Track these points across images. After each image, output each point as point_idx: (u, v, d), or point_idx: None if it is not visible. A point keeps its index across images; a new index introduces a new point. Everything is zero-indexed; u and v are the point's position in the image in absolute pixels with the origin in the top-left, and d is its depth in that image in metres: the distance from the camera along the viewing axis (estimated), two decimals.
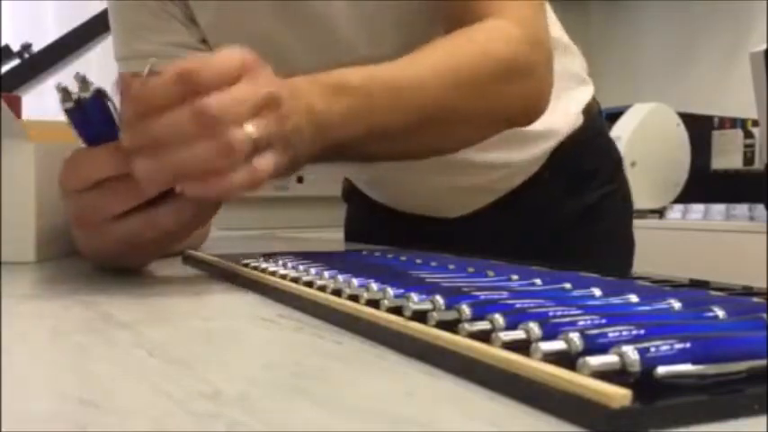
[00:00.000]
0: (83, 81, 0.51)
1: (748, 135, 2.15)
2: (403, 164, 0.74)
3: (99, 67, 2.15)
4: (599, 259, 0.90)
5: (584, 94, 0.93)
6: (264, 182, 0.49)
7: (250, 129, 0.48)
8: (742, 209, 1.91)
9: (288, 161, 0.52)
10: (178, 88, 0.47)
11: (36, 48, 2.18)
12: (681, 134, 2.13)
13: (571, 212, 0.91)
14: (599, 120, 0.97)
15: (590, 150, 0.92)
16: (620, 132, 1.99)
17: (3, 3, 2.10)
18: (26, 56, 2.18)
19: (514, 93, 0.66)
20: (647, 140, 2.06)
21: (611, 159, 0.97)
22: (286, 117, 0.51)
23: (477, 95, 0.63)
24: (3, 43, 2.14)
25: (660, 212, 2.08)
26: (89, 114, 0.52)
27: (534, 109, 0.69)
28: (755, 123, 2.09)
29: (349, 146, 0.58)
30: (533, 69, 0.66)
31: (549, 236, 0.90)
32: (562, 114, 0.87)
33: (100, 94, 0.52)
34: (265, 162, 0.49)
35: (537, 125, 0.72)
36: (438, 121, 0.62)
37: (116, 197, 0.51)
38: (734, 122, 2.22)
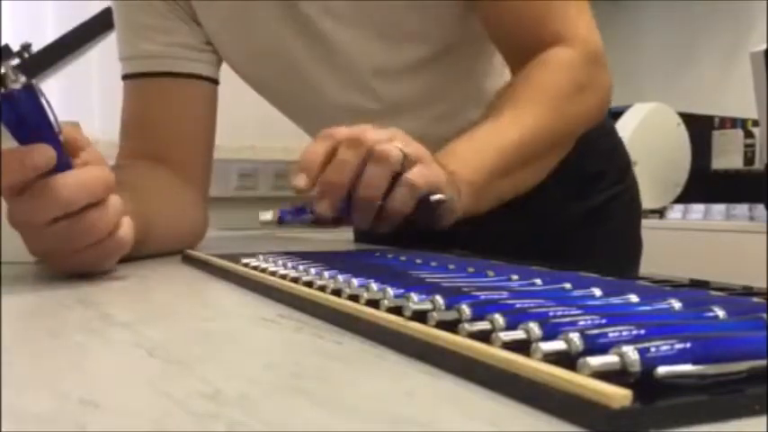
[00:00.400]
0: (12, 70, 0.49)
1: (748, 135, 2.15)
2: None
3: (99, 67, 2.15)
4: (605, 260, 0.90)
5: None
6: (411, 198, 0.58)
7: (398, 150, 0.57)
8: (742, 209, 1.91)
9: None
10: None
11: (36, 48, 2.18)
12: (681, 134, 2.13)
13: (578, 214, 0.91)
14: (606, 121, 0.98)
15: (597, 152, 0.92)
16: (621, 132, 1.98)
17: (3, 3, 2.11)
18: (26, 56, 2.18)
19: (588, 108, 0.78)
20: (648, 140, 2.06)
21: (618, 160, 0.97)
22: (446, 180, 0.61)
23: (565, 124, 0.75)
24: (2, 43, 2.14)
25: (660, 212, 2.08)
26: (20, 108, 0.50)
27: (602, 113, 0.81)
28: (756, 123, 2.09)
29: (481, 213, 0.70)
30: (599, 82, 0.78)
31: (556, 237, 0.90)
32: None
33: (32, 89, 0.49)
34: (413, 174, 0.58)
35: None
36: (540, 161, 0.76)
37: (44, 203, 0.50)
38: (734, 122, 2.22)
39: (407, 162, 0.57)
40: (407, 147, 0.58)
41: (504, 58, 0.81)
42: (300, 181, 0.59)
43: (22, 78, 0.49)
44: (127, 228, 0.56)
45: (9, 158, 0.49)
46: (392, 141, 0.58)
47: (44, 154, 0.49)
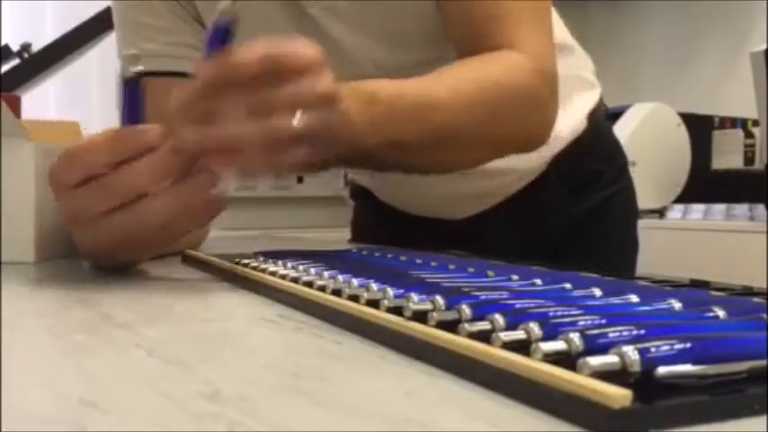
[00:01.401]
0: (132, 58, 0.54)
1: (749, 135, 2.15)
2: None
3: (99, 67, 2.15)
4: (602, 260, 0.90)
5: (592, 97, 0.94)
6: (288, 171, 0.53)
7: (296, 122, 0.50)
8: (742, 209, 1.91)
9: (319, 159, 0.55)
10: (259, 69, 0.50)
11: (36, 48, 2.18)
12: (681, 134, 2.13)
13: (575, 214, 0.91)
14: (604, 123, 0.98)
15: (595, 153, 0.92)
16: (621, 132, 1.98)
17: (3, 3, 2.10)
18: (26, 56, 2.18)
19: (525, 122, 0.71)
20: (648, 140, 2.06)
21: (615, 161, 0.97)
22: (330, 117, 0.53)
23: (491, 122, 0.68)
24: (3, 43, 2.14)
25: (660, 212, 2.08)
26: (128, 95, 0.55)
27: (540, 138, 0.73)
28: (756, 123, 2.09)
29: (370, 153, 0.61)
30: (543, 101, 0.71)
31: (553, 237, 0.90)
32: (569, 119, 0.87)
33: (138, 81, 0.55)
34: (295, 155, 0.51)
35: None
36: (453, 141, 0.67)
37: (106, 192, 0.51)
38: (734, 122, 2.22)
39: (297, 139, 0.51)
40: (311, 117, 0.51)
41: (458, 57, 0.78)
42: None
43: (140, 67, 0.54)
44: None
45: (125, 134, 0.51)
46: (301, 111, 0.51)
47: (155, 135, 0.51)
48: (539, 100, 0.71)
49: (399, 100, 0.62)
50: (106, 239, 0.53)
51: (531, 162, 0.87)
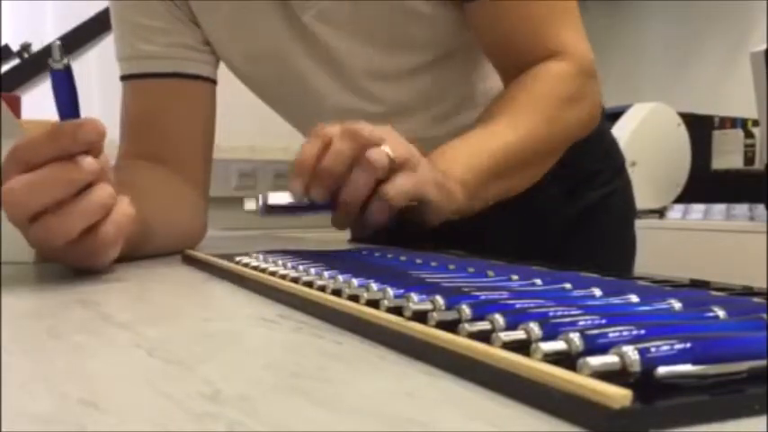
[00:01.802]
0: (59, 49, 0.55)
1: (749, 135, 2.15)
2: None
3: (99, 67, 2.15)
4: (600, 259, 0.90)
5: None
6: (395, 202, 0.60)
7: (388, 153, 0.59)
8: (742, 209, 1.91)
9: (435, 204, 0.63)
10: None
11: (36, 48, 2.18)
12: (681, 134, 2.13)
13: (572, 212, 0.91)
14: (603, 122, 0.98)
15: (591, 152, 0.92)
16: (620, 132, 1.99)
17: (3, 3, 2.10)
18: (26, 56, 2.18)
19: (580, 118, 0.80)
20: (648, 140, 2.06)
21: (613, 161, 0.97)
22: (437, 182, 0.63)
23: (560, 134, 0.78)
24: (2, 43, 2.14)
25: (660, 212, 2.08)
26: (59, 86, 0.55)
27: (593, 124, 0.83)
28: (756, 123, 2.09)
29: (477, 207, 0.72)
30: (590, 94, 0.80)
31: (550, 236, 0.90)
32: None
33: (70, 70, 0.55)
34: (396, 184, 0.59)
35: None
36: (539, 164, 0.79)
37: (40, 189, 0.50)
38: (734, 122, 2.22)
39: (394, 166, 0.59)
40: (397, 149, 0.59)
41: (497, 70, 0.82)
42: (296, 185, 0.60)
43: (65, 60, 0.54)
44: (120, 216, 0.55)
45: (61, 130, 0.51)
46: (383, 141, 0.59)
47: (95, 129, 0.51)
48: (588, 96, 0.79)
49: (475, 173, 0.69)
50: (49, 238, 0.53)
51: None
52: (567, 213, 0.91)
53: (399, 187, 0.59)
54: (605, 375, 0.23)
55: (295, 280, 0.44)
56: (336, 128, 0.59)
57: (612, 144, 1.00)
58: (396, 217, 0.62)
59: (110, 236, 0.54)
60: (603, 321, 0.28)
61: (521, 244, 0.89)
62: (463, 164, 0.68)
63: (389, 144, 0.59)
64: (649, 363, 0.23)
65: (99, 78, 2.17)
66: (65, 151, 0.50)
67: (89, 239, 0.53)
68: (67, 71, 0.55)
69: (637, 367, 0.23)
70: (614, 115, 2.07)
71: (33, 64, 2.17)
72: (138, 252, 0.66)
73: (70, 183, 0.51)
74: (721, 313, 0.30)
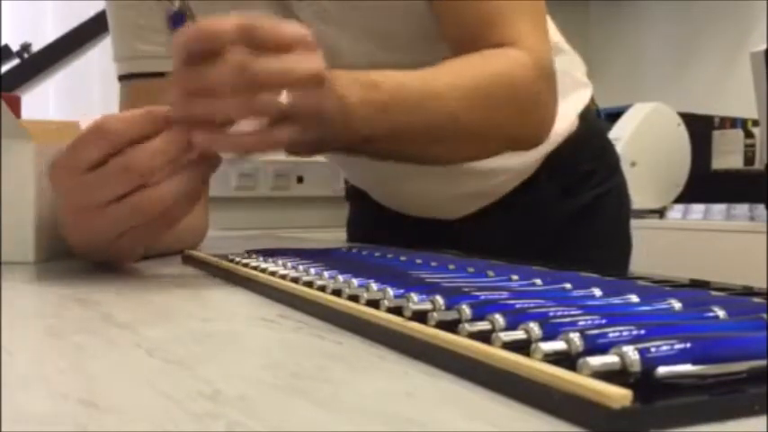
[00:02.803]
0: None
1: (749, 135, 2.15)
2: (406, 172, 0.79)
3: (99, 67, 2.15)
4: (594, 258, 0.90)
5: (583, 97, 0.94)
6: (274, 150, 0.53)
7: (282, 98, 0.51)
8: (742, 209, 1.91)
9: (313, 140, 0.56)
10: (235, 38, 0.49)
11: (36, 48, 2.18)
12: (681, 134, 2.13)
13: (565, 212, 0.91)
14: (596, 122, 0.98)
15: (586, 152, 0.92)
16: (621, 132, 1.99)
17: (3, 3, 2.10)
18: (26, 56, 2.18)
19: (524, 120, 0.71)
20: (648, 140, 2.06)
21: (607, 160, 0.97)
22: (322, 99, 0.54)
23: (489, 118, 0.68)
24: (2, 43, 2.14)
25: (660, 212, 2.08)
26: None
27: (538, 137, 0.74)
28: (756, 123, 2.09)
29: (367, 140, 0.62)
30: (543, 100, 0.72)
31: (544, 235, 0.90)
32: (560, 119, 0.87)
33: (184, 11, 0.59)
34: (282, 133, 0.52)
35: None
36: (450, 134, 0.67)
37: (109, 180, 0.51)
38: (734, 122, 2.22)
39: (284, 116, 0.52)
40: (297, 94, 0.52)
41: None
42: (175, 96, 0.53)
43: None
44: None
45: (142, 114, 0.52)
46: (287, 88, 0.52)
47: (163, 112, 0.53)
48: (538, 96, 0.71)
49: (400, 91, 0.62)
50: (106, 230, 0.53)
51: (524, 162, 0.87)
52: (562, 212, 0.91)
53: (282, 137, 0.52)
54: (605, 375, 0.23)
55: (295, 280, 0.44)
56: (231, 24, 0.50)
57: (607, 143, 1.00)
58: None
59: (168, 225, 0.55)
60: (603, 321, 0.28)
61: (515, 243, 0.89)
62: (386, 75, 0.62)
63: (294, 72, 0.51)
64: (649, 363, 0.23)
65: (99, 78, 2.17)
66: (156, 130, 0.51)
67: (136, 234, 0.54)
68: (182, 13, 0.56)
69: (637, 367, 0.23)
70: (614, 115, 2.07)
71: (33, 64, 2.17)
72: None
73: (140, 171, 0.51)
74: (721, 313, 0.30)
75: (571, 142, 0.89)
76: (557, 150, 0.88)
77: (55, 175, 0.54)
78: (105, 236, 0.54)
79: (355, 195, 1.04)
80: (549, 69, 0.72)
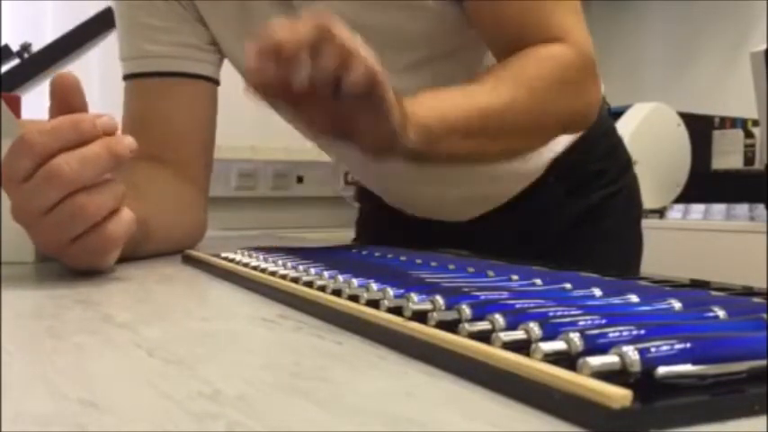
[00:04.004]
0: None
1: (749, 135, 2.15)
2: (418, 177, 0.83)
3: (99, 67, 2.15)
4: (603, 258, 0.90)
5: None
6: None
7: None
8: (742, 209, 1.91)
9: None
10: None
11: (36, 48, 2.18)
12: (681, 134, 2.13)
13: (574, 213, 0.91)
14: (606, 120, 0.97)
15: (596, 152, 0.92)
16: (621, 132, 1.99)
17: (3, 3, 2.10)
18: (26, 56, 2.18)
19: (572, 106, 0.76)
20: (648, 140, 2.06)
21: (617, 160, 0.96)
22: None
23: (544, 114, 0.73)
24: (2, 43, 2.14)
25: (660, 212, 2.08)
26: None
27: (586, 120, 0.79)
28: (756, 123, 2.09)
29: (440, 160, 0.68)
30: (587, 88, 0.77)
31: (553, 236, 0.90)
32: None
33: None
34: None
35: None
36: (514, 138, 0.72)
37: (40, 188, 0.51)
38: (734, 122, 2.22)
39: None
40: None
41: (497, 59, 0.80)
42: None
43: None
44: (126, 216, 0.55)
45: (80, 118, 0.52)
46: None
47: (113, 121, 0.53)
48: (583, 86, 0.76)
49: (440, 121, 0.64)
50: (53, 237, 0.53)
51: (534, 164, 0.87)
52: (571, 213, 0.90)
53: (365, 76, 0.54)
54: (605, 375, 0.23)
55: (295, 280, 0.44)
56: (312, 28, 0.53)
57: (617, 143, 0.99)
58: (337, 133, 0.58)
59: (116, 234, 0.54)
60: (603, 321, 0.28)
61: (522, 243, 0.89)
62: (430, 107, 0.63)
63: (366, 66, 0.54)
64: (649, 363, 0.23)
65: (99, 78, 2.17)
66: (82, 138, 0.51)
67: (95, 236, 0.53)
68: None
69: (637, 367, 0.23)
70: (614, 115, 2.07)
71: (33, 64, 2.17)
72: (138, 252, 0.67)
73: (101, 161, 0.51)
74: (721, 313, 0.30)
75: (581, 141, 0.89)
76: (566, 151, 0.88)
77: (3, 185, 0.54)
78: (56, 242, 0.54)
79: (365, 196, 1.04)
80: (592, 60, 0.76)
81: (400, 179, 0.88)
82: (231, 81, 0.98)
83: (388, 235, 0.95)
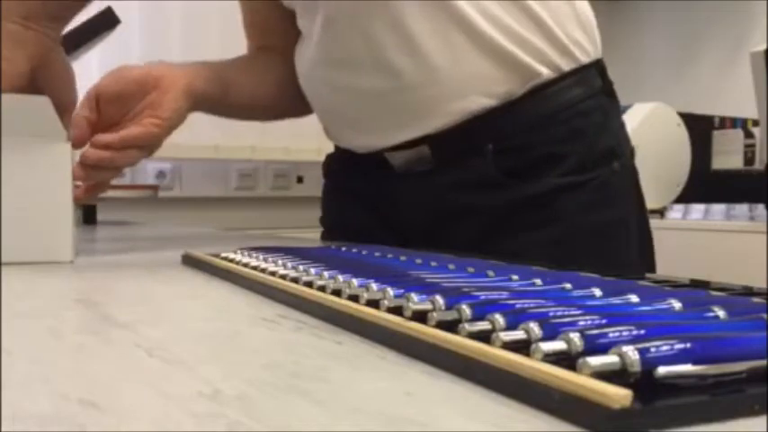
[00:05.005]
0: None
1: (749, 135, 2.15)
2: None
3: (99, 67, 2.15)
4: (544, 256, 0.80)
5: (588, 50, 0.85)
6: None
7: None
8: (742, 209, 1.91)
9: None
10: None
11: None
12: (681, 134, 2.14)
13: (511, 196, 0.79)
14: (582, 103, 0.82)
15: (553, 132, 0.79)
16: None
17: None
18: None
19: None
20: (648, 140, 2.06)
21: (589, 148, 0.81)
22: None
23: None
24: None
25: (660, 212, 2.08)
26: None
27: None
28: (756, 123, 2.09)
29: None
30: None
31: (486, 217, 0.80)
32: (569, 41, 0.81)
33: None
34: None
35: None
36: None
37: None
38: (734, 122, 2.22)
39: None
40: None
41: None
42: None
43: None
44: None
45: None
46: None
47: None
48: None
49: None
50: None
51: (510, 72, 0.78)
52: (507, 196, 0.79)
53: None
54: (605, 375, 0.23)
55: (295, 280, 0.44)
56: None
57: (597, 130, 0.83)
58: None
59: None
60: (603, 321, 0.28)
61: (454, 214, 0.82)
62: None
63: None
64: (649, 363, 0.23)
65: (99, 78, 2.17)
66: None
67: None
68: None
69: (637, 367, 0.23)
70: None
71: None
72: (224, 102, 0.92)
73: None
74: (721, 313, 0.30)
75: (522, 116, 0.78)
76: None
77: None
78: None
79: (331, 190, 1.01)
80: None
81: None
82: None
83: (347, 186, 0.94)
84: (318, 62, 0.88)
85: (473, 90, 0.79)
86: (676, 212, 2.07)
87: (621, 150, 0.87)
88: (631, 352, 0.23)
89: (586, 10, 0.89)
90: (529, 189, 0.79)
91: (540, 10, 0.81)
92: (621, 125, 0.90)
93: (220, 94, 0.90)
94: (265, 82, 0.99)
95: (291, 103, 0.99)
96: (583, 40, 0.86)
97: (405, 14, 0.78)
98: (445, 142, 0.81)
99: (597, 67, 0.87)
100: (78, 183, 0.77)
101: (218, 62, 0.94)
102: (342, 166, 0.97)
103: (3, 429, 0.21)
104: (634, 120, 2.07)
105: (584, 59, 0.85)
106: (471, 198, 0.81)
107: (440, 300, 0.32)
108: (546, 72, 0.80)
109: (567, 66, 0.82)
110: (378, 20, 0.79)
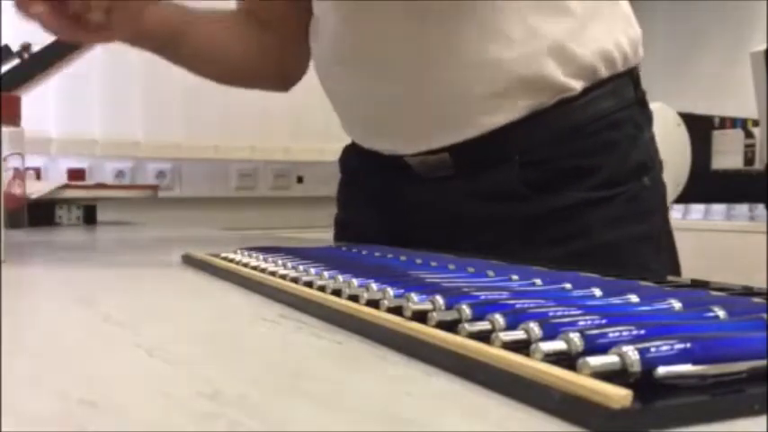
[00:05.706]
0: None
1: (749, 135, 2.15)
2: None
3: (99, 66, 2.15)
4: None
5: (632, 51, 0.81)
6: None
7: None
8: (742, 209, 1.91)
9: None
10: None
11: (36, 48, 2.18)
12: (681, 134, 2.13)
13: (535, 210, 0.77)
14: (629, 92, 0.80)
15: (584, 144, 0.76)
16: None
17: (3, 3, 2.10)
18: (26, 56, 2.18)
19: None
20: None
21: (621, 160, 0.78)
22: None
23: None
24: (3, 43, 2.14)
25: None
26: None
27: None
28: (756, 123, 2.09)
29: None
30: None
31: (513, 228, 0.78)
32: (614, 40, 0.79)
33: None
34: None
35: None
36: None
37: None
38: (734, 122, 2.22)
39: None
40: None
41: None
42: None
43: None
44: None
45: None
46: None
47: None
48: None
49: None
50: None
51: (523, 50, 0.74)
52: (530, 209, 0.76)
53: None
54: (605, 375, 0.23)
55: (295, 280, 0.44)
56: None
57: (629, 141, 0.79)
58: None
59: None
60: (603, 321, 0.28)
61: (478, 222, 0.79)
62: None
63: None
64: (649, 363, 0.23)
65: (99, 78, 2.17)
66: None
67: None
68: None
69: (637, 367, 0.23)
70: None
71: (33, 64, 2.17)
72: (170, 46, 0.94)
73: None
74: (721, 313, 0.30)
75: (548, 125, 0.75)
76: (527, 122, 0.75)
77: None
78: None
79: (346, 186, 1.00)
80: None
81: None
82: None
83: (365, 181, 0.90)
84: (338, 61, 0.83)
85: (503, 108, 0.76)
86: (676, 212, 2.07)
87: (652, 164, 0.83)
88: (631, 352, 0.23)
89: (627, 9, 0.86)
90: (552, 202, 0.76)
91: (588, 20, 0.78)
92: (652, 137, 0.85)
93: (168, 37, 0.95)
94: (229, 38, 1.00)
95: (255, 73, 1.02)
96: (626, 46, 0.82)
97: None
98: (467, 151, 0.78)
99: (632, 75, 0.82)
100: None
101: (185, 8, 0.97)
102: (360, 162, 0.92)
103: (3, 429, 0.21)
104: None
105: (621, 68, 0.80)
106: (490, 209, 0.78)
107: (440, 300, 0.32)
108: (579, 85, 0.76)
109: (601, 75, 0.78)
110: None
